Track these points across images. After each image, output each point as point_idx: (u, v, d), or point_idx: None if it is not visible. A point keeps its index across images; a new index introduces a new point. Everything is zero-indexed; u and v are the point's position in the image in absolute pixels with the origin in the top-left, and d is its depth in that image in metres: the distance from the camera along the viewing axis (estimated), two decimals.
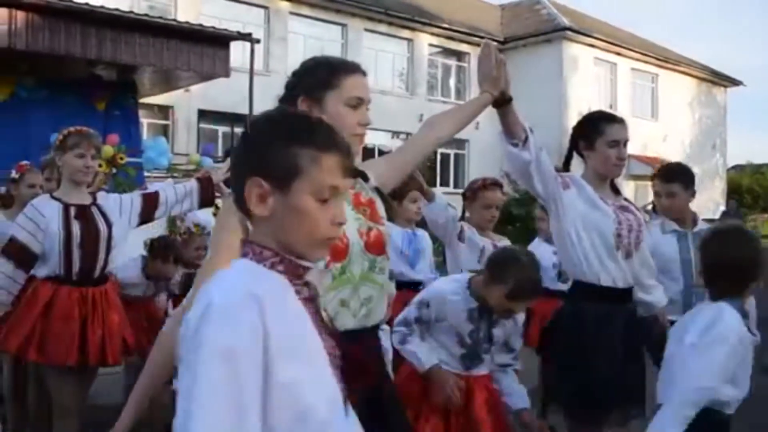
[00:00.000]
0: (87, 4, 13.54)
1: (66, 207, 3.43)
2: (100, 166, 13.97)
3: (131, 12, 14.83)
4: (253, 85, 15.50)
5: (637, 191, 28.10)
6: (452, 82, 27.20)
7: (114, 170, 13.21)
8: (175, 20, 15.88)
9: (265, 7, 21.94)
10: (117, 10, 13.84)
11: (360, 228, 1.93)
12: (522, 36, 26.94)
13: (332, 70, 1.98)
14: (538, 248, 4.54)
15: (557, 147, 26.08)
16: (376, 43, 24.49)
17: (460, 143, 25.75)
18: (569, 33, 25.99)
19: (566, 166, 3.27)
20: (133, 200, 3.66)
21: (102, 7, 13.46)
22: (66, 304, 3.44)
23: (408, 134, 24.93)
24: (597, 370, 2.80)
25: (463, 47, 26.81)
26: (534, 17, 27.69)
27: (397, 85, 25.50)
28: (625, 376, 2.90)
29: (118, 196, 3.73)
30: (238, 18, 19.77)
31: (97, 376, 3.84)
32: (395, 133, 25.23)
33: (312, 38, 22.92)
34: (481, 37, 26.56)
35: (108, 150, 13.67)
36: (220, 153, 18.41)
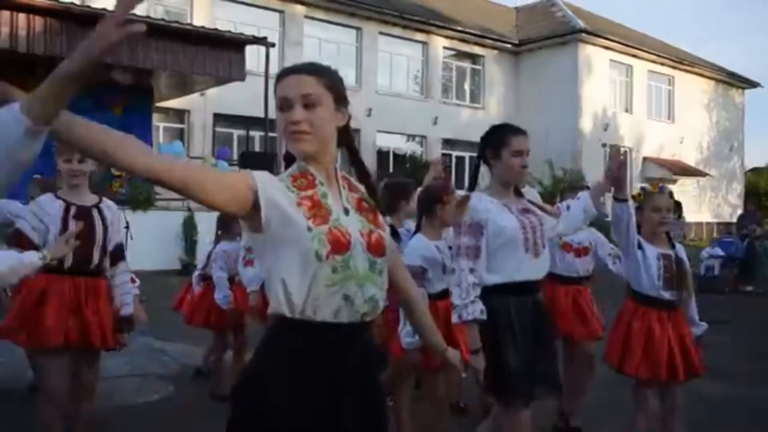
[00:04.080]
0: (105, 9, 13.65)
1: (68, 206, 3.71)
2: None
3: (148, 17, 14.93)
4: (268, 88, 15.53)
5: None
6: (467, 84, 27.18)
7: (126, 174, 13.33)
8: (191, 25, 15.97)
9: (280, 11, 22.03)
10: (134, 14, 13.93)
11: (362, 229, 2.00)
12: (537, 38, 26.91)
13: (275, 81, 2.03)
14: None
15: (571, 149, 26.04)
16: (390, 46, 24.54)
17: (476, 146, 25.56)
18: (584, 35, 25.91)
19: (475, 176, 3.56)
20: (117, 231, 3.98)
21: None
22: (59, 292, 3.67)
23: (423, 137, 24.95)
24: (510, 356, 3.19)
25: (477, 50, 26.81)
26: (549, 19, 27.65)
27: (411, 88, 25.53)
28: (537, 358, 3.28)
29: (120, 215, 4.07)
30: (253, 22, 19.85)
31: (97, 367, 3.97)
32: (410, 136, 25.26)
33: (327, 42, 22.99)
34: (496, 40, 26.59)
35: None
36: (235, 156, 18.50)
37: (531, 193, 3.71)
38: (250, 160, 11.67)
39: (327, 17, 22.90)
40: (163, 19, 15.02)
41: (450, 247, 3.89)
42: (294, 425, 1.89)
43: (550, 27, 27.03)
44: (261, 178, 1.91)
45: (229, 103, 18.89)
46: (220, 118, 20.49)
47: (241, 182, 1.87)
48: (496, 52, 27.16)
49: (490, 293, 3.25)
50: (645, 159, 27.84)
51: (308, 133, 1.95)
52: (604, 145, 26.13)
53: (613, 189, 3.65)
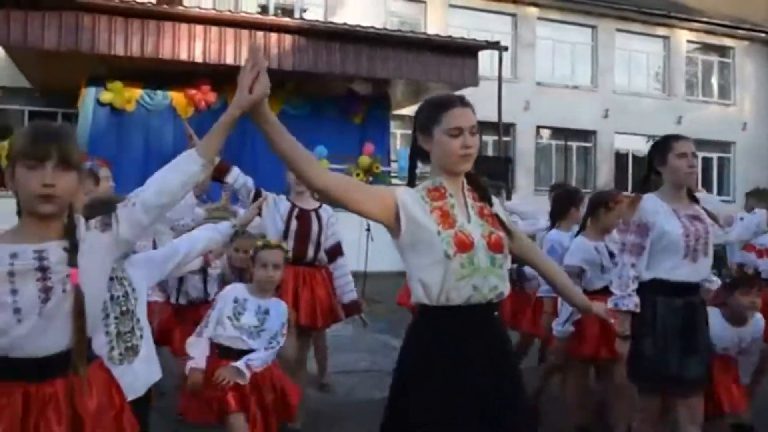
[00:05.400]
0: (345, 23, 14.41)
1: (293, 208, 4.53)
2: (357, 174, 14.72)
3: (385, 28, 15.53)
4: (501, 92, 15.54)
5: None
6: (714, 79, 25.23)
7: (371, 179, 13.95)
8: (425, 33, 16.38)
9: (512, 14, 21.92)
10: (372, 27, 14.58)
11: (483, 232, 2.41)
12: None
13: (435, 108, 2.46)
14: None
15: None
16: (629, 43, 23.45)
17: (725, 146, 23.83)
18: None
19: (645, 183, 3.81)
20: (334, 233, 4.70)
21: (358, 25, 14.25)
22: (284, 279, 4.25)
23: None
24: (646, 347, 3.54)
25: (727, 42, 24.82)
26: None
27: (652, 86, 24.21)
28: (680, 356, 3.54)
29: (336, 218, 4.73)
30: (485, 27, 19.95)
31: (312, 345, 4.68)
32: (651, 137, 23.96)
33: (561, 42, 22.52)
34: (748, 30, 24.47)
35: (365, 160, 14.46)
36: None
37: (708, 199, 3.99)
38: (484, 165, 11.68)
39: (561, 17, 22.41)
40: (398, 30, 15.55)
41: (610, 253, 4.36)
42: (435, 399, 2.30)
43: None
44: (401, 193, 2.40)
45: None
46: None
47: (386, 196, 2.39)
48: (747, 43, 25.00)
49: (642, 288, 3.59)
50: None
51: (473, 156, 2.43)
52: None
53: None
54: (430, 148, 2.46)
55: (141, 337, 2.76)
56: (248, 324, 3.72)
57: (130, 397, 2.42)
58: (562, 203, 5.04)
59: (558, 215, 5.02)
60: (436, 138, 2.41)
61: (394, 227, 2.39)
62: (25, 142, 1.94)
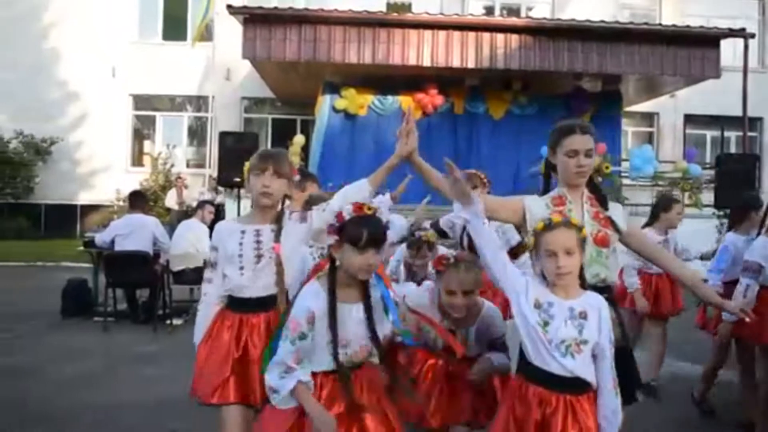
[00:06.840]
0: (573, 19, 14.06)
1: None
2: None
3: (616, 22, 14.95)
4: (746, 84, 14.36)
5: None
6: None
7: (600, 179, 13.49)
8: (660, 24, 15.56)
9: None
10: (602, 21, 14.09)
11: (593, 231, 3.01)
12: None
13: (559, 133, 3.14)
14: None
15: None
16: None
17: None
18: None
19: None
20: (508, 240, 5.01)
21: (587, 20, 13.85)
22: None
23: None
24: None
25: None
26: None
27: None
28: None
29: (510, 226, 4.93)
30: (727, 13, 18.55)
31: None
32: None
33: None
34: None
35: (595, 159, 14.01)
36: (707, 158, 17.47)
37: None
38: (727, 163, 10.82)
39: None
40: (631, 23, 14.89)
41: None
42: None
43: None
44: (528, 200, 3.09)
45: (701, 103, 17.96)
46: (691, 119, 19.58)
47: (515, 204, 3.07)
48: None
49: None
50: None
51: (586, 173, 3.09)
52: None
53: None
54: (556, 163, 3.12)
55: None
56: (562, 336, 2.56)
57: None
58: (743, 207, 5.33)
59: (737, 219, 5.31)
60: (559, 157, 3.10)
61: (522, 227, 3.07)
62: (254, 160, 3.07)
